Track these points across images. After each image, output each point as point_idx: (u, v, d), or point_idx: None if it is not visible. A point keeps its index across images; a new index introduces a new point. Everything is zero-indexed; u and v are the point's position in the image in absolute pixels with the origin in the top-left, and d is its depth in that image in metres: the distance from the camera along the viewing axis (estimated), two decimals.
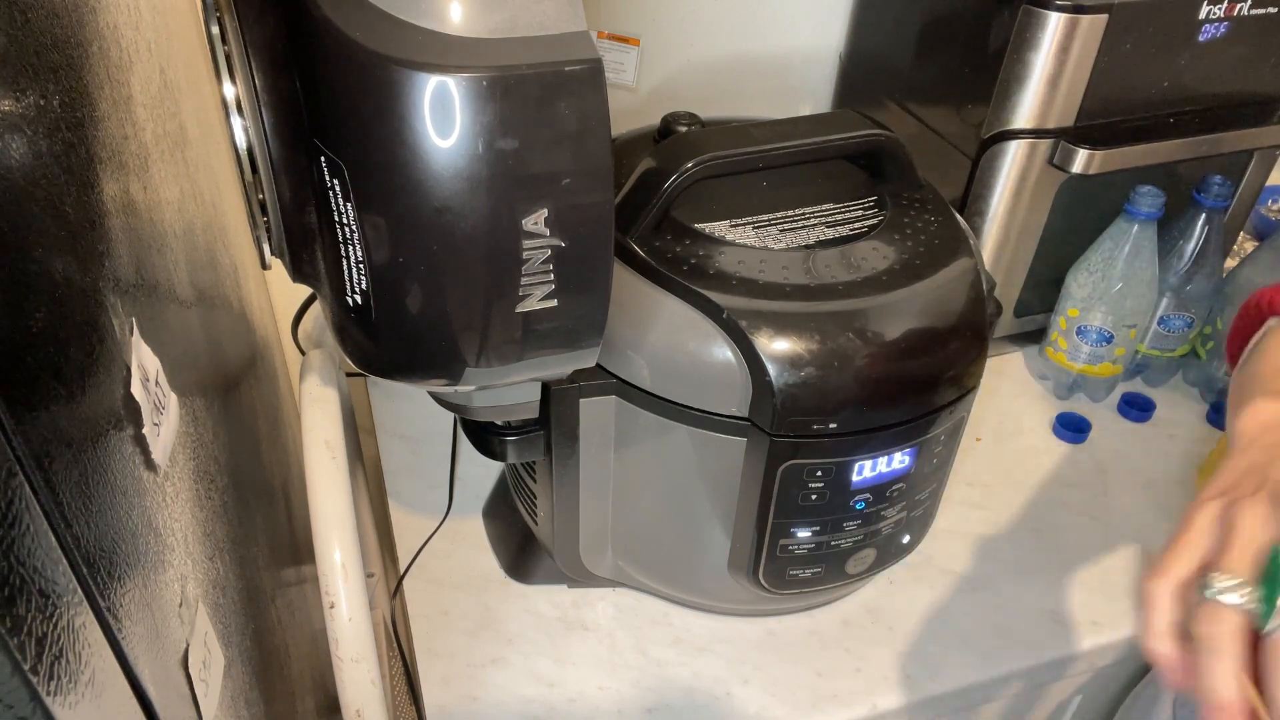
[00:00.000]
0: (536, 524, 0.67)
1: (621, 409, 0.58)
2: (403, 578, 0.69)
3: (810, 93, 1.07)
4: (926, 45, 0.87)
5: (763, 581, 0.60)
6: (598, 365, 0.57)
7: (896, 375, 0.54)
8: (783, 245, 0.57)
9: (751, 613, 0.68)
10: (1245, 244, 1.08)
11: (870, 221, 0.59)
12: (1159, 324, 0.87)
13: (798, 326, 0.52)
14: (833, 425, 0.53)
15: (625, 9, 0.94)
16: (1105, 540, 0.75)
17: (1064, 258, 0.85)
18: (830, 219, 0.59)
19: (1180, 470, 0.82)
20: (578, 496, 0.62)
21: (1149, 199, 0.77)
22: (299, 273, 0.45)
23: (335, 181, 0.36)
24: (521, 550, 0.71)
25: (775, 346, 0.52)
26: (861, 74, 0.97)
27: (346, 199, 0.36)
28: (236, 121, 0.39)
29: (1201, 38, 0.75)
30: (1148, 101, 0.77)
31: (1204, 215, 0.82)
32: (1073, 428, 0.85)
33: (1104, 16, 0.70)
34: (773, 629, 0.67)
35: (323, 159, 0.36)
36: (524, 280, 0.38)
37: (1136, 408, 0.88)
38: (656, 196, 0.56)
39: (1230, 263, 0.88)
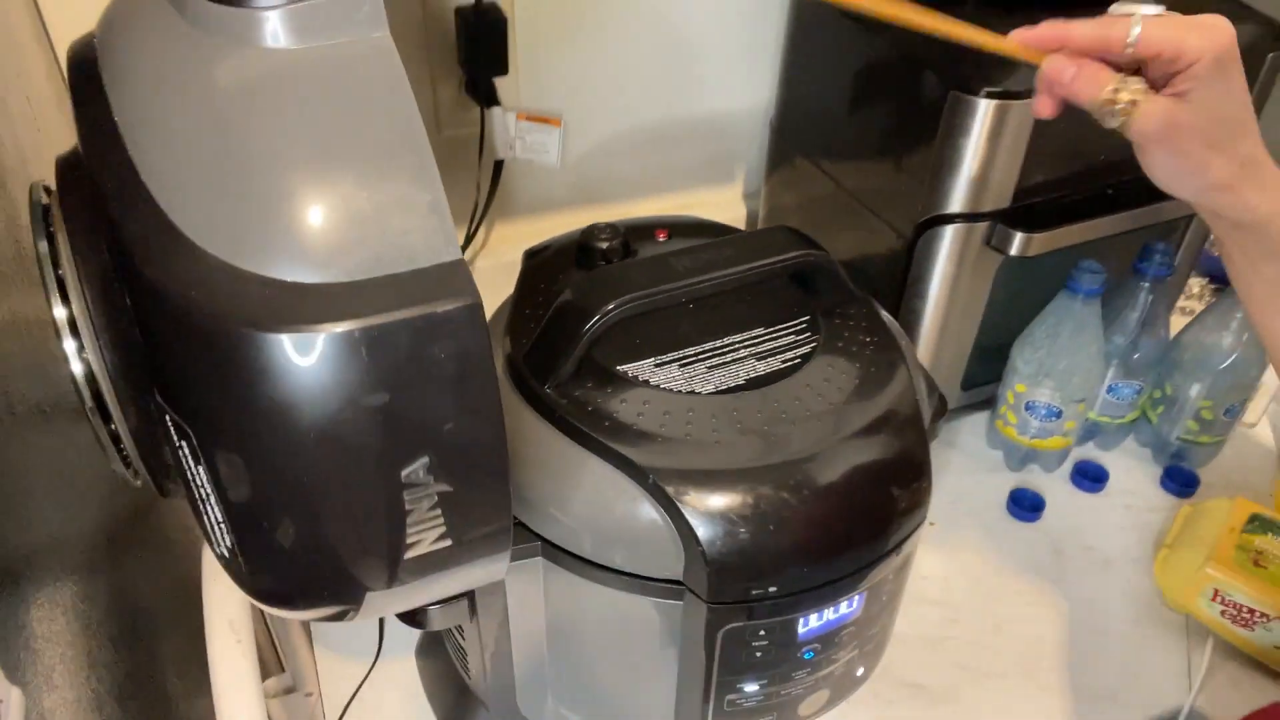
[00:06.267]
0: (469, 678, 0.63)
1: (549, 569, 0.54)
2: None
3: (744, 154, 1.04)
4: (856, 116, 0.84)
5: None
6: (521, 524, 0.53)
7: (836, 530, 0.50)
8: (711, 387, 0.53)
9: None
10: (1193, 284, 1.07)
11: (802, 350, 0.56)
12: (1108, 392, 0.85)
13: (728, 487, 0.49)
14: (772, 589, 0.50)
15: (545, 87, 0.90)
16: (1065, 635, 0.73)
17: (1010, 328, 0.83)
18: (760, 348, 0.56)
19: (1138, 546, 0.80)
20: (510, 655, 0.58)
21: (1090, 276, 0.75)
22: (167, 494, 0.40)
23: (183, 443, 0.32)
24: (458, 697, 0.66)
25: (705, 511, 0.48)
26: (792, 141, 0.94)
27: (197, 462, 0.32)
28: (70, 346, 0.35)
29: None
30: (1084, 176, 0.75)
31: (1148, 284, 0.80)
32: (1026, 506, 0.82)
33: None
34: None
35: (168, 418, 0.32)
36: (410, 530, 0.34)
37: (1089, 478, 0.86)
38: (574, 342, 0.52)
39: (1178, 318, 0.86)
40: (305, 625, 0.81)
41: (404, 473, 0.32)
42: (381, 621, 0.71)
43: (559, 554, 0.52)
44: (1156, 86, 0.46)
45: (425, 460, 0.33)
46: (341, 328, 0.30)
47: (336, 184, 0.31)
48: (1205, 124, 0.45)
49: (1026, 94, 0.67)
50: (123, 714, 0.45)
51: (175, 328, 0.30)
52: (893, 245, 0.79)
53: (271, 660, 0.82)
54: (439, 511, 0.34)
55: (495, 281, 0.60)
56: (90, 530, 0.57)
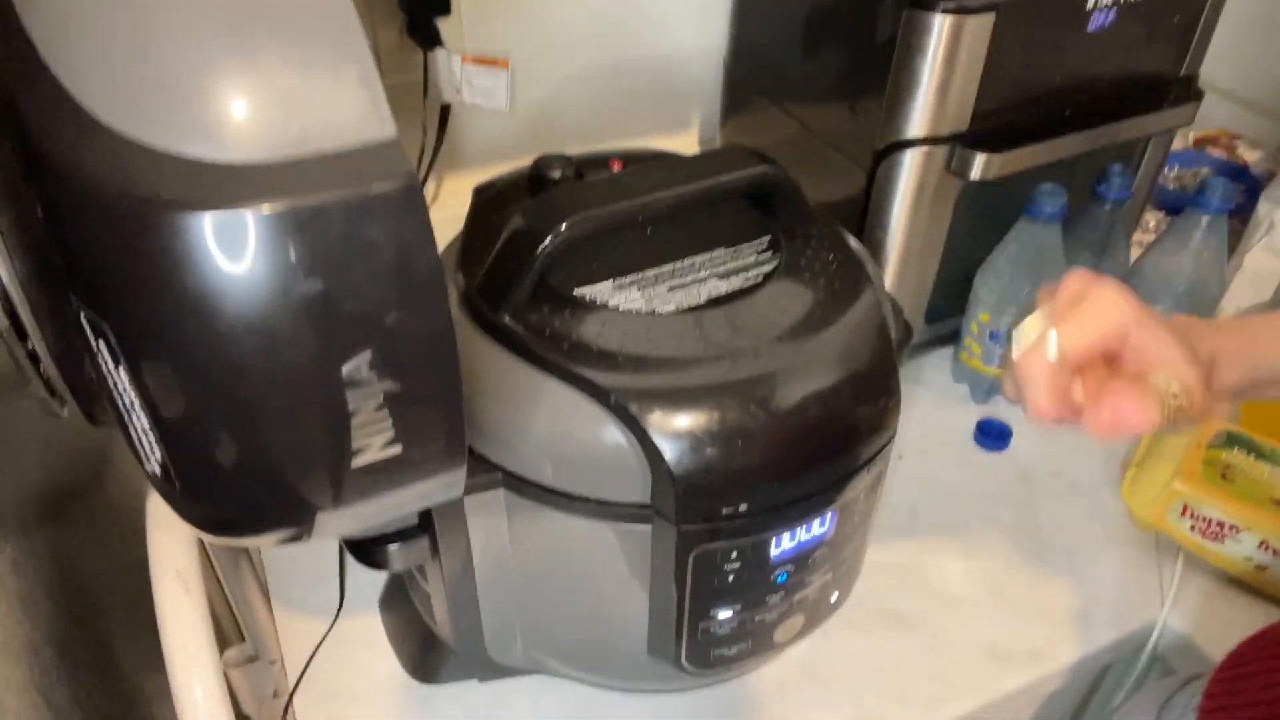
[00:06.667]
0: (435, 624, 0.61)
1: (512, 501, 0.52)
2: (291, 696, 0.62)
3: (698, 99, 1.02)
4: (810, 50, 0.82)
5: (686, 665, 0.56)
6: (481, 456, 0.51)
7: (805, 445, 0.49)
8: (672, 307, 0.51)
9: (682, 688, 0.64)
10: (1149, 218, 1.07)
11: (765, 268, 0.54)
12: None
13: (693, 403, 0.47)
14: (743, 507, 0.48)
15: (491, 29, 0.87)
16: (1036, 559, 0.73)
17: (972, 258, 0.82)
18: (721, 268, 0.54)
19: (1103, 470, 0.80)
20: (475, 596, 0.56)
21: (1051, 198, 0.74)
22: (97, 421, 0.38)
23: (101, 344, 0.30)
24: (425, 646, 0.64)
25: (670, 429, 0.47)
26: (747, 81, 0.92)
27: (117, 363, 0.30)
28: None
29: (1091, 27, 0.72)
30: (1042, 97, 0.74)
31: (1108, 207, 0.80)
32: (994, 435, 0.82)
33: (991, 16, 0.67)
34: (704, 703, 0.63)
35: (83, 316, 0.30)
36: (356, 434, 0.32)
37: None
38: (528, 265, 0.50)
39: (1135, 250, 0.86)
40: (263, 589, 0.79)
41: (345, 369, 0.30)
42: (342, 576, 0.69)
43: (521, 485, 0.51)
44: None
45: (368, 355, 0.31)
46: (265, 208, 0.28)
47: (254, 53, 0.29)
48: (1196, 364, 0.43)
49: (982, 9, 0.66)
50: (60, 662, 0.42)
51: (85, 213, 0.28)
52: (854, 178, 0.78)
53: (232, 630, 0.80)
54: (386, 413, 0.32)
55: (449, 235, 0.57)
56: (29, 490, 0.55)
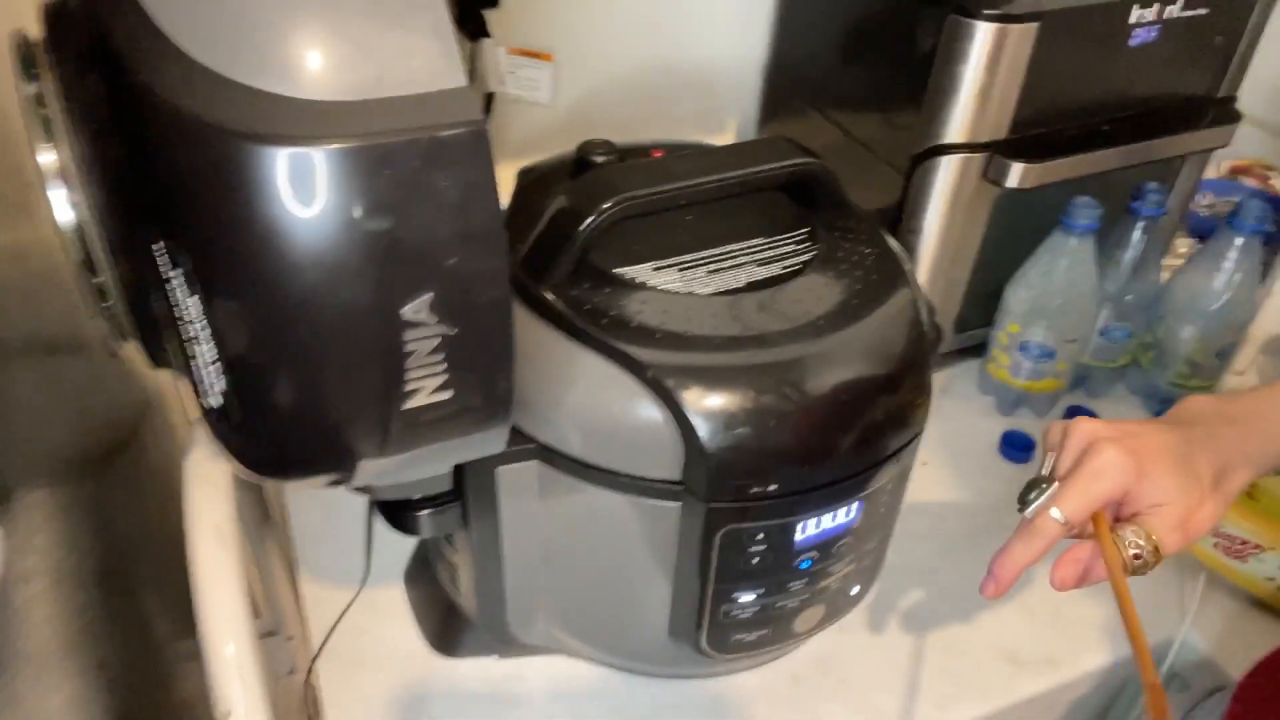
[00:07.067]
0: (459, 595, 0.61)
1: (544, 474, 0.53)
2: (315, 660, 0.63)
3: (736, 103, 1.03)
4: (851, 56, 0.83)
5: (706, 648, 0.56)
6: (516, 428, 0.52)
7: (837, 429, 0.50)
8: (710, 290, 0.52)
9: (697, 675, 0.64)
10: (1179, 243, 1.07)
11: (803, 257, 0.55)
12: (1100, 335, 0.85)
13: (729, 382, 0.48)
14: (773, 487, 0.49)
15: (537, 23, 0.88)
16: None
17: (1003, 270, 0.83)
18: (760, 256, 0.55)
19: None
20: (501, 568, 0.57)
21: (1086, 211, 0.75)
22: (159, 361, 0.39)
23: (173, 275, 0.31)
24: (447, 619, 0.65)
25: (705, 405, 0.47)
26: (786, 85, 0.93)
27: (189, 294, 0.31)
28: (59, 195, 0.33)
29: (1133, 42, 0.73)
30: (1081, 109, 0.75)
31: (1142, 224, 0.80)
32: (1018, 447, 0.82)
33: (1034, 25, 0.67)
34: (720, 693, 0.63)
35: (157, 247, 0.31)
36: (410, 375, 0.33)
37: None
38: (571, 242, 0.51)
39: (1165, 275, 0.86)
40: (289, 565, 0.80)
41: (405, 309, 0.31)
42: (369, 548, 0.69)
43: (555, 457, 0.51)
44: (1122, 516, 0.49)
45: (428, 297, 0.32)
46: (341, 145, 0.29)
47: None
48: (1192, 498, 0.47)
49: (1026, 18, 0.67)
50: (102, 600, 0.43)
51: (170, 141, 0.29)
52: (890, 183, 0.79)
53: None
54: (441, 356, 0.33)
55: None
56: (75, 443, 0.56)
